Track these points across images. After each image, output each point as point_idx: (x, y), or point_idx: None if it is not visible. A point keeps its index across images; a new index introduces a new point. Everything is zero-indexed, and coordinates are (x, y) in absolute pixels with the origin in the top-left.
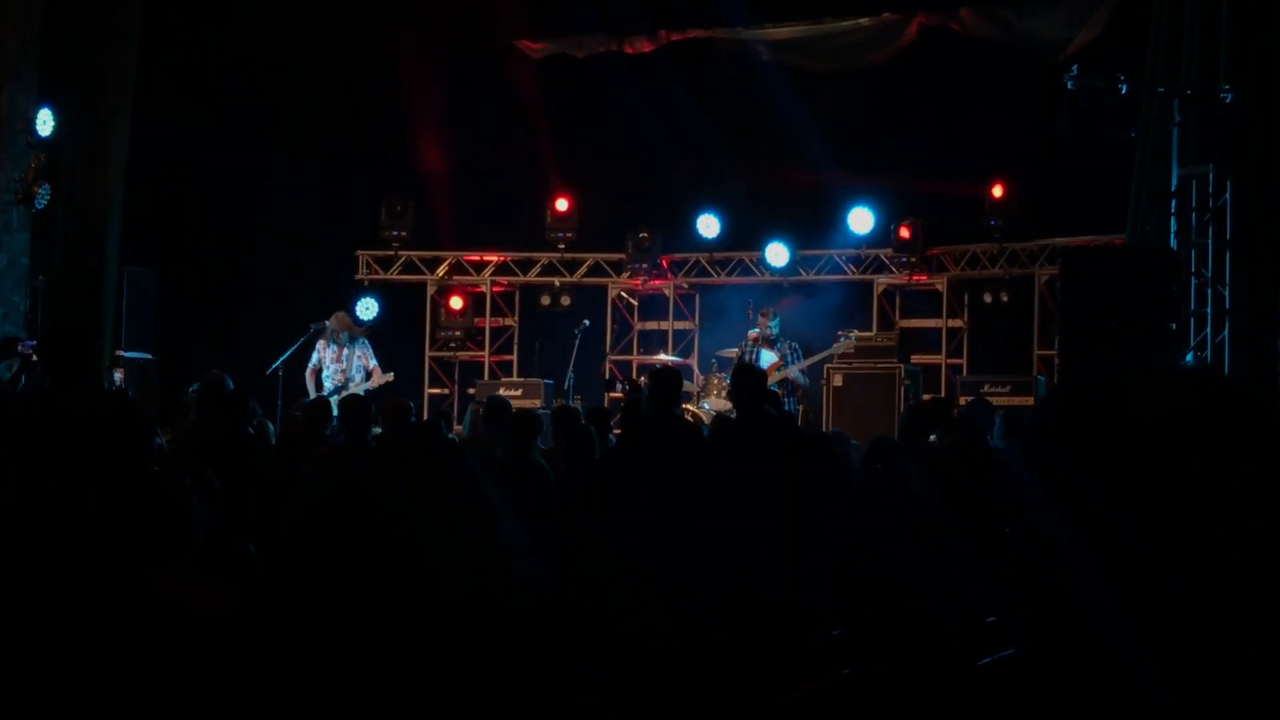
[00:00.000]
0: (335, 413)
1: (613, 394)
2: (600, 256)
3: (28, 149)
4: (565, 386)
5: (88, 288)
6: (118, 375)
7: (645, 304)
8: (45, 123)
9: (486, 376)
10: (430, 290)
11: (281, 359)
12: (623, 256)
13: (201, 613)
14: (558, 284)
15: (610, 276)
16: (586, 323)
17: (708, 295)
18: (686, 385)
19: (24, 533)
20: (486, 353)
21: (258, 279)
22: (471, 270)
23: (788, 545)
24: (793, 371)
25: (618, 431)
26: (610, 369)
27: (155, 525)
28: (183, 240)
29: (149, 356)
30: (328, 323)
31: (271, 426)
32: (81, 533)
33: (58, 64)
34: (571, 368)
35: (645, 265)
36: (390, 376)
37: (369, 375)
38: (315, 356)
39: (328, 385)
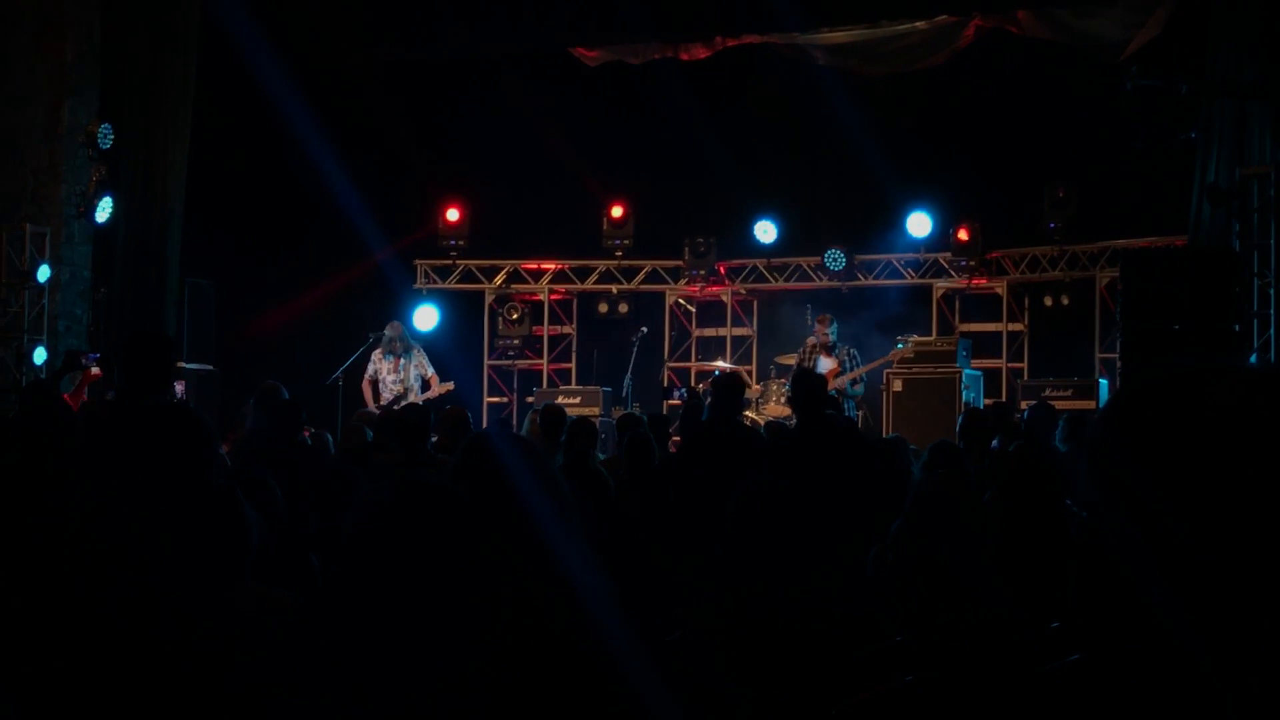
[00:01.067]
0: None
1: (671, 401)
2: (657, 263)
3: (88, 162)
4: (623, 394)
5: (149, 299)
6: (179, 387)
7: (703, 310)
8: (106, 136)
9: (545, 385)
10: (488, 299)
11: (341, 369)
12: (680, 263)
13: (262, 620)
14: (615, 291)
15: (667, 283)
16: (644, 330)
17: (766, 301)
18: (747, 392)
19: (94, 543)
20: (545, 361)
21: (316, 288)
22: (529, 278)
23: (849, 552)
24: (843, 382)
25: (677, 439)
26: (669, 376)
27: (217, 537)
28: (242, 251)
29: (210, 368)
30: (385, 332)
31: (330, 438)
32: (149, 543)
33: (116, 76)
34: (629, 375)
35: (703, 272)
36: (450, 385)
37: (428, 384)
38: (371, 367)
39: (386, 396)
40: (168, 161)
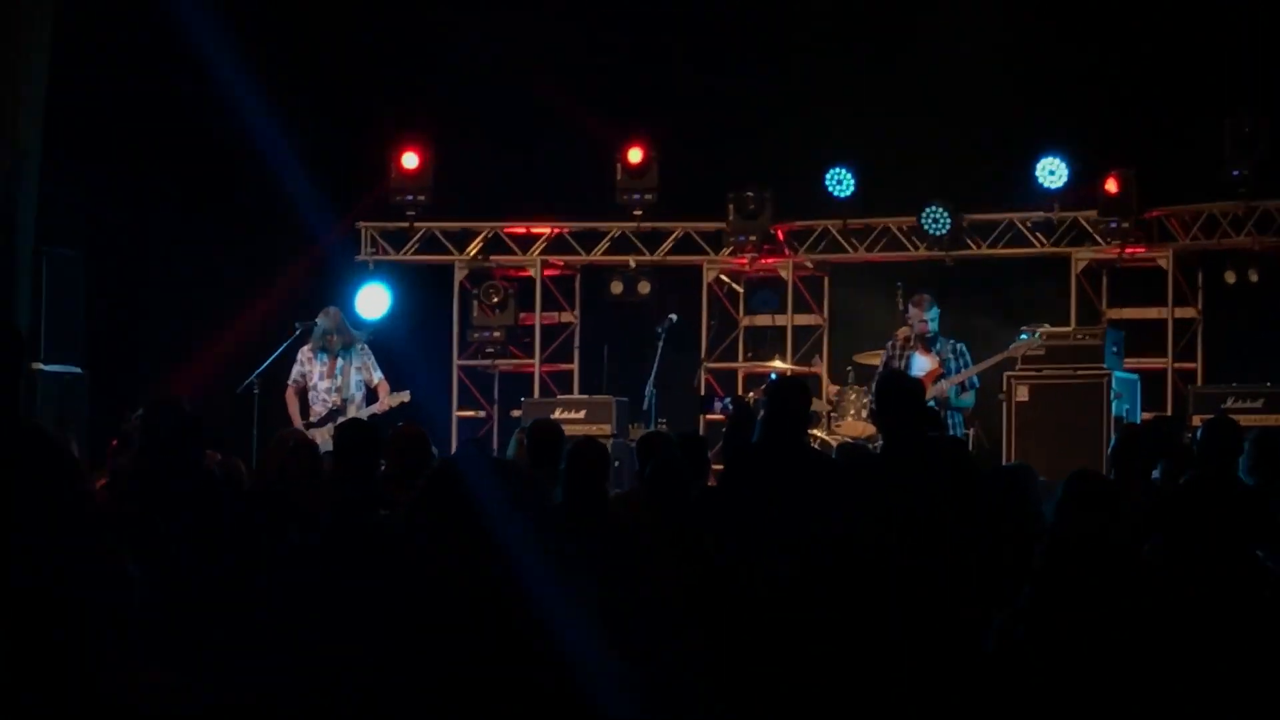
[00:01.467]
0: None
1: (710, 416)
2: (691, 226)
3: None
4: (645, 406)
5: None
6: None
7: (754, 291)
8: None
9: (536, 393)
10: (459, 275)
11: (257, 373)
12: (722, 226)
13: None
14: (633, 265)
15: (705, 254)
16: (673, 318)
17: (840, 278)
18: (814, 403)
19: None
20: (536, 361)
21: (224, 264)
22: (515, 247)
23: (960, 622)
24: (946, 388)
25: (718, 468)
26: (706, 381)
27: (83, 604)
28: (122, 212)
29: (76, 370)
30: (318, 322)
31: (244, 467)
32: None
33: None
34: (653, 381)
35: (753, 238)
36: (405, 396)
37: (374, 394)
38: (298, 369)
39: (318, 409)
40: (17, 92)
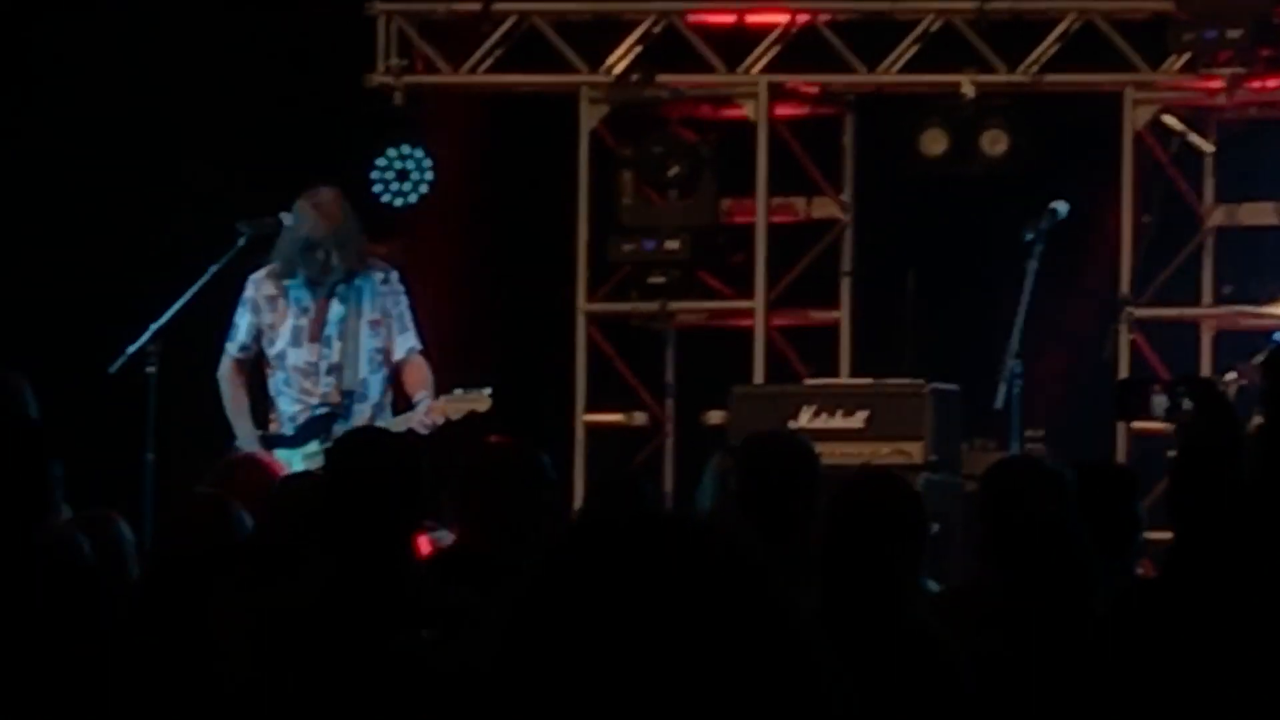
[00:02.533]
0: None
1: (1143, 422)
2: (1093, 5)
3: None
4: (998, 402)
5: None
6: None
7: (1236, 148)
8: None
9: (759, 374)
10: (589, 118)
11: (151, 331)
12: (1166, 6)
13: None
14: (969, 90)
15: (1129, 70)
16: (1060, 209)
17: None
18: None
19: None
20: (759, 303)
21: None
22: (712, 56)
23: None
24: None
25: (1160, 536)
26: (1132, 345)
27: None
28: None
29: None
30: (288, 218)
31: (125, 535)
32: None
33: None
34: (1016, 344)
35: (1236, 34)
36: (481, 399)
37: (395, 373)
38: (246, 321)
39: (290, 407)
40: None
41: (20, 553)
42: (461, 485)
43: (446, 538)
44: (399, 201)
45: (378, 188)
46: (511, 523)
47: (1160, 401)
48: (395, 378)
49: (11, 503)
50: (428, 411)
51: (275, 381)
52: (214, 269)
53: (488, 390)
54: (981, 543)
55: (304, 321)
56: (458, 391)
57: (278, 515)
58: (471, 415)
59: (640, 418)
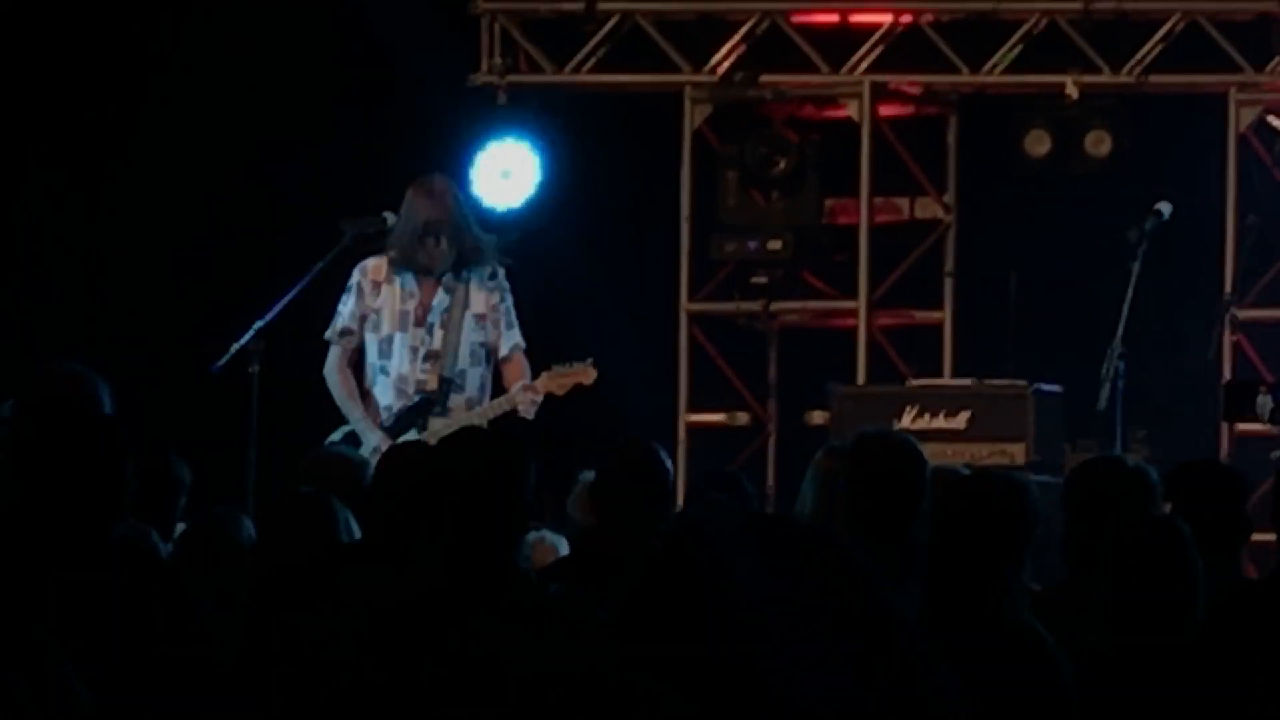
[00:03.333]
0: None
1: (1247, 425)
2: (1196, 6)
3: None
4: (1101, 403)
5: None
6: None
7: None
8: None
9: (862, 374)
10: (693, 117)
11: (255, 329)
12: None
13: None
14: (1073, 90)
15: (1234, 70)
16: (1165, 211)
17: None
18: None
19: None
20: (862, 303)
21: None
22: (816, 56)
23: None
24: None
25: (1266, 538)
26: (1235, 346)
27: None
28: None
29: None
30: (398, 215)
31: (245, 528)
32: None
33: None
34: (1118, 345)
35: None
36: (585, 371)
37: (499, 365)
38: (350, 308)
39: (385, 397)
40: None
41: (95, 550)
42: (597, 485)
43: (549, 538)
44: (503, 201)
45: (481, 187)
46: (644, 521)
47: (1265, 403)
48: (497, 373)
49: (87, 501)
50: (524, 389)
51: (371, 370)
52: (318, 267)
53: (590, 360)
54: (1064, 544)
55: (410, 307)
56: (559, 367)
57: (383, 502)
58: (578, 388)
59: (743, 418)
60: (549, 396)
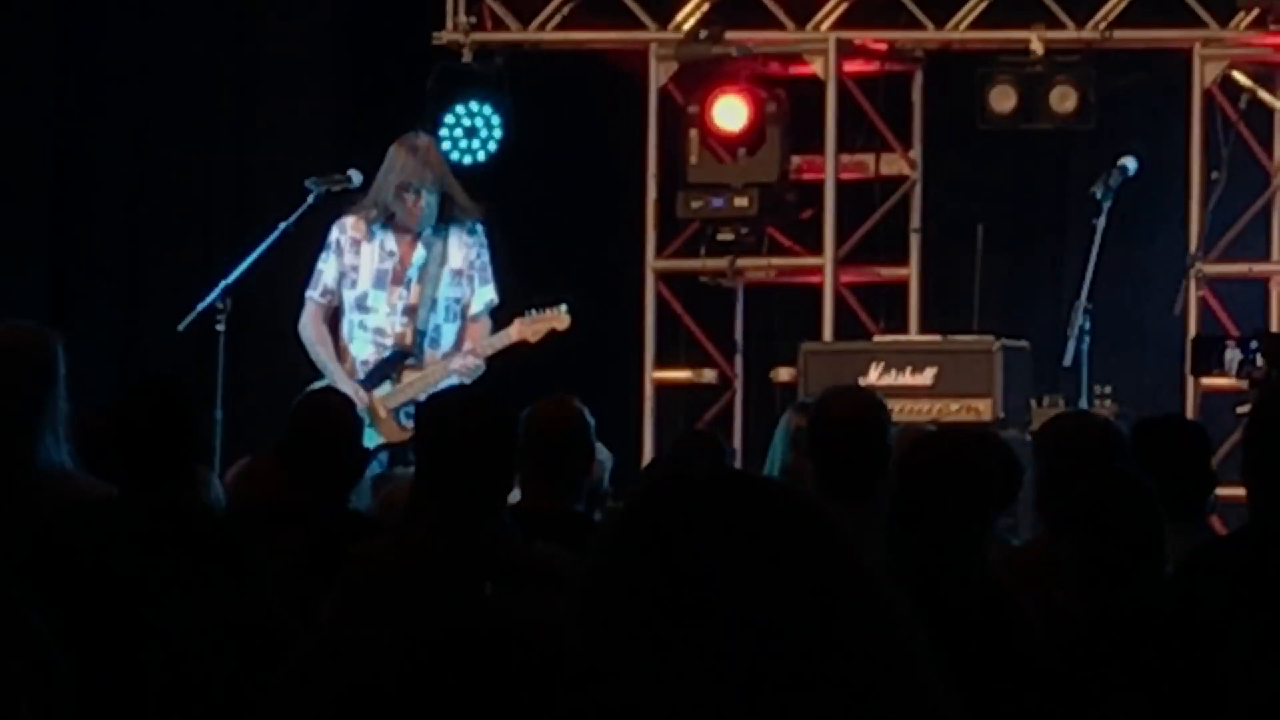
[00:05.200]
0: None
1: (1213, 380)
2: None
3: None
4: (1067, 360)
5: None
6: None
7: None
8: None
9: (828, 331)
10: (659, 74)
11: (223, 285)
12: None
13: None
14: (1038, 47)
15: (1197, 24)
16: (1129, 165)
17: None
18: None
19: None
20: (828, 259)
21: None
22: (781, 12)
23: None
24: None
25: (1232, 492)
26: (1201, 302)
27: None
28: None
29: None
30: (393, 158)
31: (217, 490)
32: None
33: None
34: (1085, 300)
35: None
36: (558, 316)
37: (468, 325)
38: (331, 265)
39: (363, 353)
40: None
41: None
42: (525, 443)
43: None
44: (467, 159)
45: (446, 145)
46: (571, 477)
47: (1234, 356)
48: (461, 314)
49: (11, 443)
50: (469, 353)
51: (349, 326)
52: (284, 226)
53: (563, 306)
54: (1036, 498)
55: (388, 265)
56: (532, 312)
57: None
58: (551, 334)
59: (709, 375)
60: (524, 347)
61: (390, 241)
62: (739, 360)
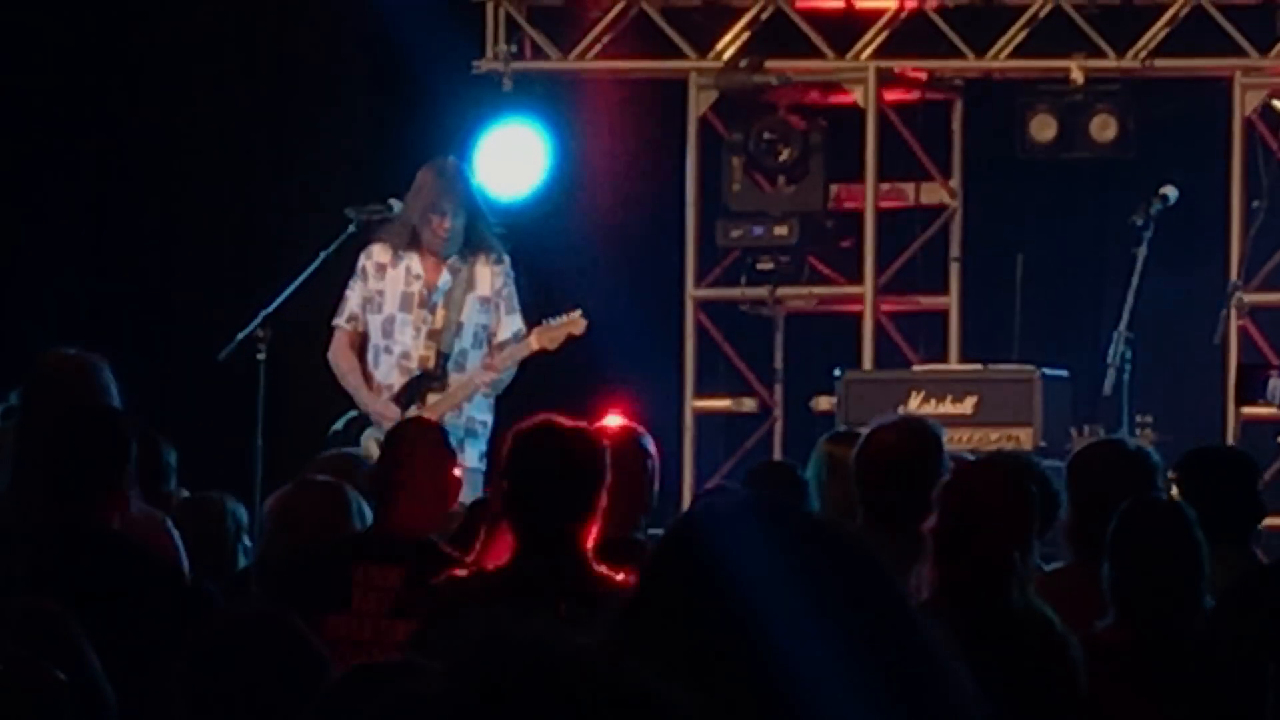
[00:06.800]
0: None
1: (1256, 408)
2: None
3: None
4: (1107, 388)
5: None
6: None
7: None
8: None
9: (868, 359)
10: (699, 103)
11: (263, 315)
12: None
13: None
14: (1078, 75)
15: (1239, 55)
16: (1170, 195)
17: None
18: None
19: None
20: (868, 288)
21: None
22: (821, 42)
23: None
24: None
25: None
26: (1241, 331)
27: None
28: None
29: None
30: (402, 201)
31: (244, 516)
32: None
33: None
34: (1124, 329)
35: None
36: (575, 321)
37: (492, 344)
38: (357, 292)
39: (387, 377)
40: None
41: (89, 535)
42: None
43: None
44: (508, 188)
45: (487, 175)
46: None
47: (1276, 386)
48: (488, 339)
49: (86, 485)
50: (486, 368)
51: (374, 352)
52: (324, 255)
53: (578, 312)
54: (1068, 527)
55: (414, 289)
56: (548, 321)
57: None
58: (569, 340)
59: (749, 404)
60: (546, 357)
61: (416, 265)
62: (779, 389)
